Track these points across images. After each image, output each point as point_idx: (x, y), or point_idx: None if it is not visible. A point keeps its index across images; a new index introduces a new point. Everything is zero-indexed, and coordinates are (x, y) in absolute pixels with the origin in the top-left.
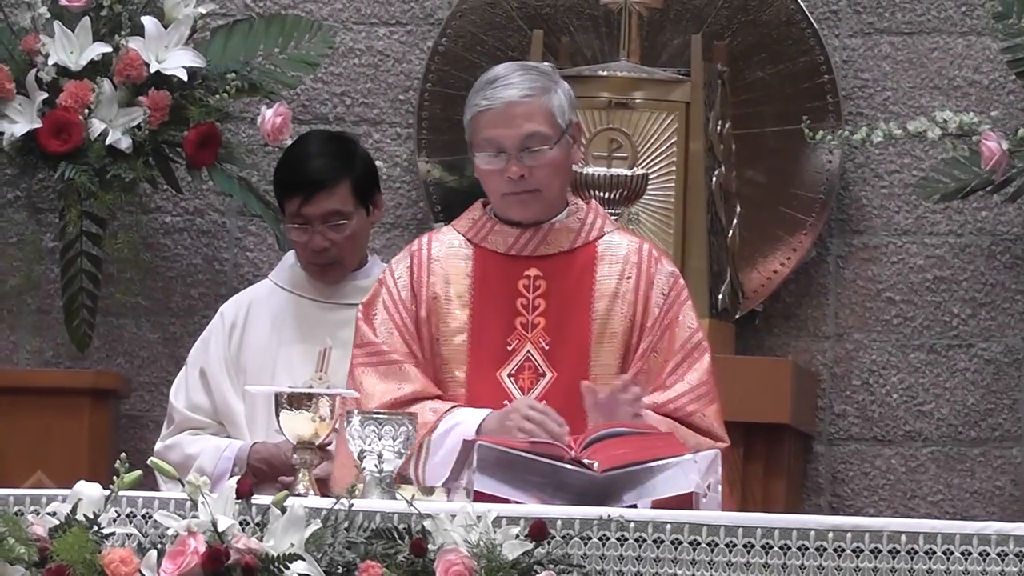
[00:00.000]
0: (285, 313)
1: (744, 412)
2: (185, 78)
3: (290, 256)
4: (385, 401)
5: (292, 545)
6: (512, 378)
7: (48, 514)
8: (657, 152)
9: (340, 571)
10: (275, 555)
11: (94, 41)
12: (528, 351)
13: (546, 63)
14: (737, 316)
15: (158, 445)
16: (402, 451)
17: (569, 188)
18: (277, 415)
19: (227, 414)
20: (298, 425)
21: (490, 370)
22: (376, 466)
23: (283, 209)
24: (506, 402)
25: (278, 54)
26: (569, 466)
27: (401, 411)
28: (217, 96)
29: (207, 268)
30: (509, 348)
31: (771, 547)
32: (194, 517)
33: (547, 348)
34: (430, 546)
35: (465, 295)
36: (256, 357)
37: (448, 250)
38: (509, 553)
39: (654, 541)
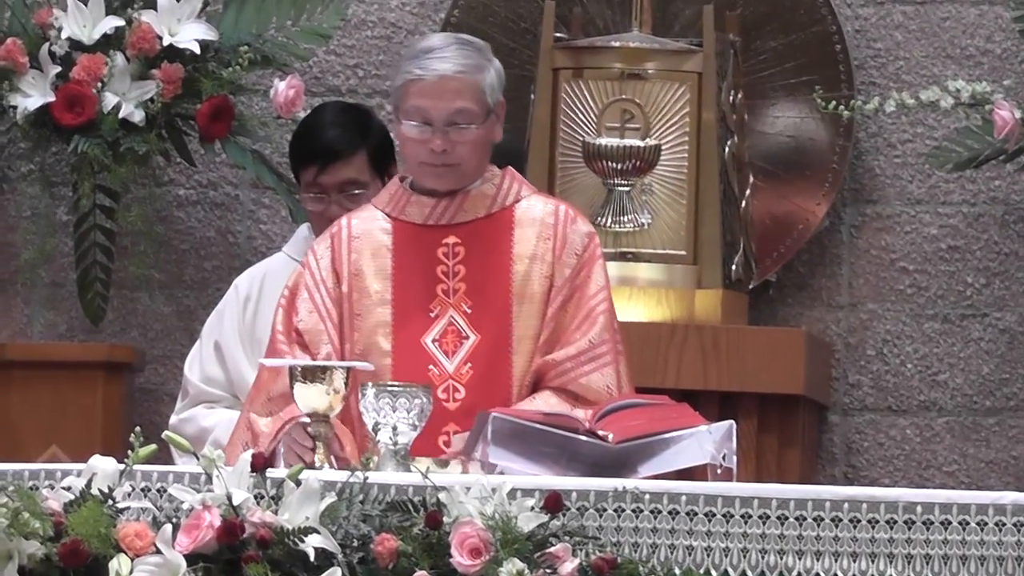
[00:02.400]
0: None
1: (758, 383)
2: (198, 51)
3: (304, 228)
4: (261, 393)
5: (307, 518)
6: (436, 343)
7: (63, 488)
8: (669, 123)
9: (355, 544)
10: (290, 528)
11: (107, 14)
12: (451, 316)
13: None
14: (751, 286)
15: (173, 419)
16: (416, 423)
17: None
18: (292, 387)
19: (241, 387)
20: (312, 398)
21: (414, 338)
22: (391, 438)
23: (299, 179)
24: (432, 367)
25: (290, 26)
26: (583, 437)
27: (412, 384)
28: (230, 69)
29: (221, 241)
30: (432, 315)
31: (786, 518)
32: (209, 491)
33: (469, 312)
34: (445, 518)
35: (387, 268)
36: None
37: (367, 226)
38: (524, 525)
39: (669, 512)
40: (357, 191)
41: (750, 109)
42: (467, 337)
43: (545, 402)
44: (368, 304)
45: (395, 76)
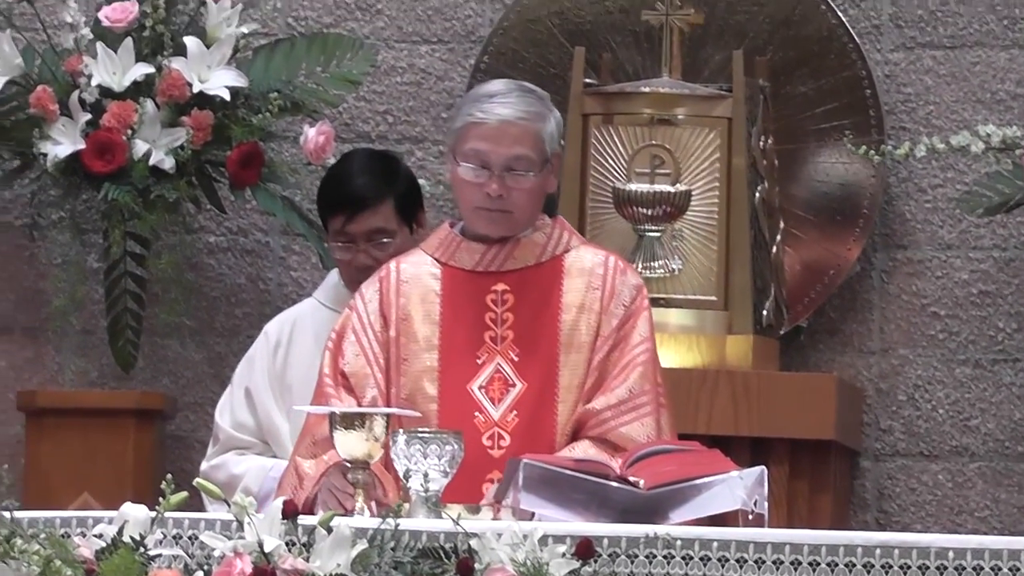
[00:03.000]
0: (329, 331)
1: (789, 428)
2: (228, 97)
3: (334, 274)
4: (306, 438)
5: (338, 565)
6: (482, 390)
7: (95, 536)
8: (700, 168)
9: None
10: (322, 575)
11: (137, 61)
12: (498, 363)
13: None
14: (782, 332)
15: (204, 465)
16: (447, 470)
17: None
18: (331, 434)
19: (272, 433)
20: (352, 444)
21: (461, 384)
22: (422, 485)
23: (327, 227)
24: (478, 414)
25: (320, 73)
26: (615, 484)
27: (446, 430)
28: (260, 115)
29: (251, 287)
30: (479, 361)
31: (818, 564)
32: (240, 538)
33: (516, 360)
34: (477, 565)
35: (434, 313)
36: (301, 375)
37: (416, 271)
38: (556, 572)
39: (700, 558)
40: (385, 239)
41: (780, 154)
42: (513, 385)
43: (584, 452)
44: (415, 349)
45: (454, 118)
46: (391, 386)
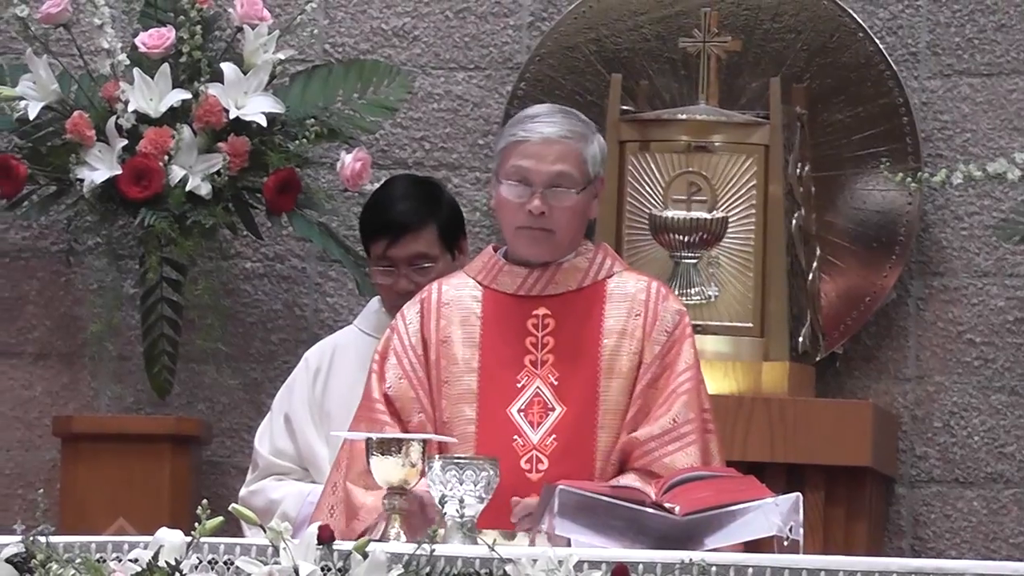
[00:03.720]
0: (369, 358)
1: (825, 455)
2: (264, 124)
3: (375, 302)
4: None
5: None
6: (521, 413)
7: (130, 561)
8: (736, 195)
9: None
10: None
11: (173, 88)
12: (537, 387)
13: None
14: (818, 359)
15: (243, 491)
16: (483, 496)
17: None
18: (368, 460)
19: (311, 459)
20: (388, 471)
21: (500, 407)
22: (457, 511)
23: (368, 252)
24: (516, 438)
25: (357, 99)
26: (650, 510)
27: (482, 456)
28: (296, 142)
29: (287, 314)
30: (519, 385)
31: None
32: (276, 563)
33: (556, 384)
34: None
35: (475, 336)
36: (340, 402)
37: (458, 293)
38: None
39: None
40: (427, 264)
41: (817, 182)
42: (553, 409)
43: (629, 483)
44: (455, 372)
45: (498, 141)
46: (435, 409)
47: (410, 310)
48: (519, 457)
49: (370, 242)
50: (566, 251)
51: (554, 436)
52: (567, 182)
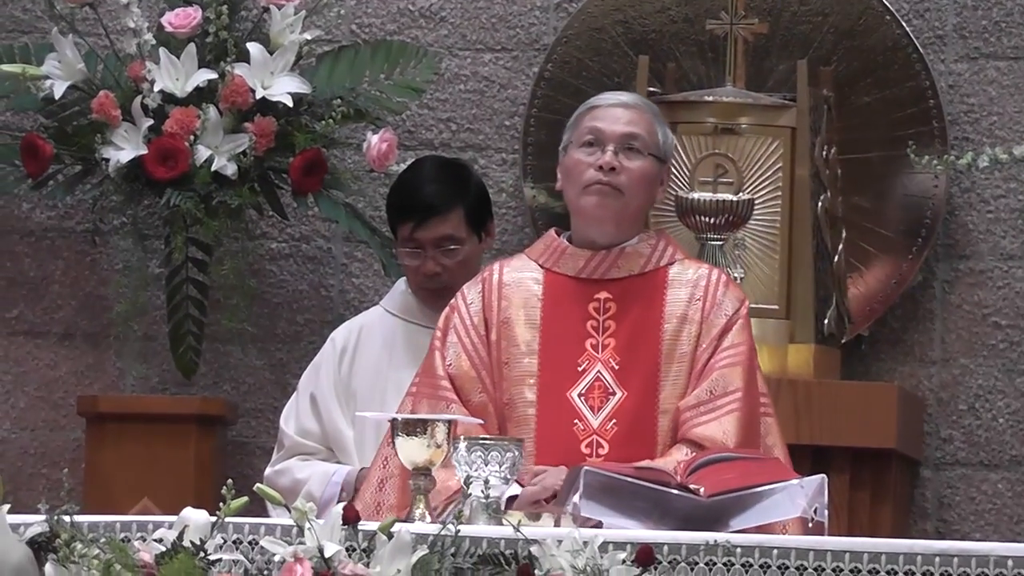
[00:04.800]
0: (395, 339)
1: (850, 437)
2: (291, 104)
3: (401, 283)
4: None
5: (399, 571)
6: (582, 397)
7: (155, 540)
8: (763, 177)
9: None
10: None
11: (200, 67)
12: (598, 371)
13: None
14: (843, 341)
15: (268, 470)
16: (508, 477)
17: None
18: (393, 441)
19: (337, 439)
20: (413, 451)
21: (560, 390)
22: (482, 492)
23: (395, 233)
24: (577, 422)
25: (384, 80)
26: (675, 491)
27: (503, 437)
28: (323, 122)
29: (313, 294)
30: (579, 368)
31: (878, 572)
32: (300, 543)
33: (617, 368)
34: (537, 572)
35: (535, 318)
36: (366, 382)
37: (519, 275)
38: None
39: (760, 566)
40: (453, 247)
41: (843, 164)
42: (613, 393)
43: (673, 457)
44: (515, 353)
45: (570, 125)
46: (496, 390)
47: (471, 290)
48: (579, 441)
49: (397, 224)
50: (628, 230)
51: (614, 421)
52: (639, 144)
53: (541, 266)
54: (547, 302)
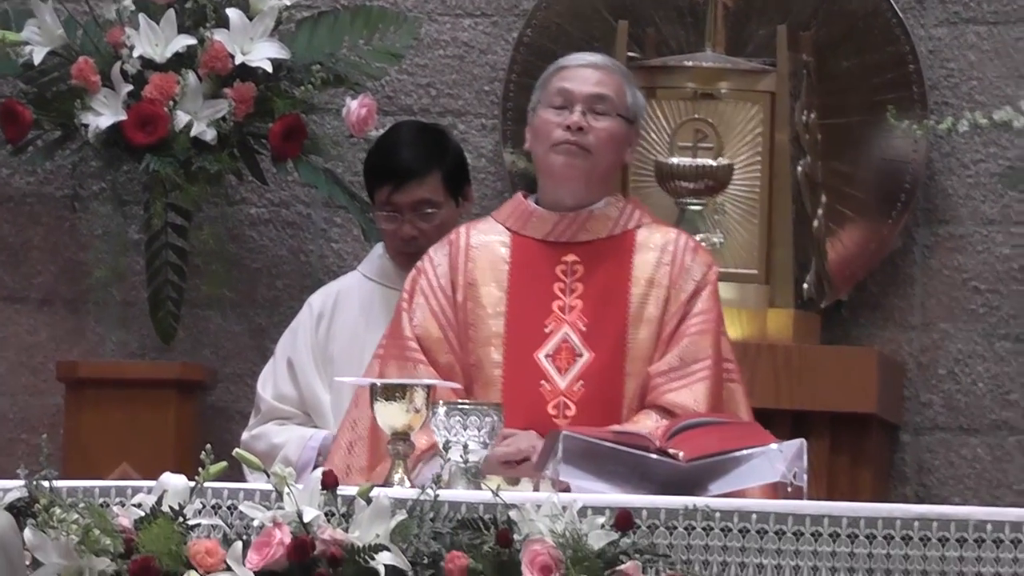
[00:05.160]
0: (373, 304)
1: (830, 402)
2: (270, 70)
3: (379, 247)
4: None
5: (378, 536)
6: (549, 359)
7: (134, 505)
8: (742, 142)
9: (426, 561)
10: (361, 546)
11: (179, 33)
12: (565, 332)
13: None
14: (823, 306)
15: (245, 435)
16: (487, 441)
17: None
18: (372, 406)
19: (314, 404)
20: (392, 416)
21: (527, 352)
22: (461, 456)
23: (372, 198)
24: (544, 383)
25: (363, 46)
26: (654, 456)
27: (483, 402)
28: (302, 88)
29: (293, 260)
30: (546, 330)
31: (857, 536)
32: (279, 508)
33: (584, 330)
34: (516, 536)
35: (503, 280)
36: (344, 347)
37: (486, 238)
38: (595, 543)
39: (740, 531)
40: (430, 210)
41: (823, 129)
42: (580, 355)
43: (644, 424)
44: (482, 315)
45: (538, 87)
46: (463, 351)
47: (438, 252)
48: (546, 402)
49: (375, 188)
50: (599, 185)
51: (582, 382)
52: (607, 105)
53: (508, 229)
54: (514, 265)
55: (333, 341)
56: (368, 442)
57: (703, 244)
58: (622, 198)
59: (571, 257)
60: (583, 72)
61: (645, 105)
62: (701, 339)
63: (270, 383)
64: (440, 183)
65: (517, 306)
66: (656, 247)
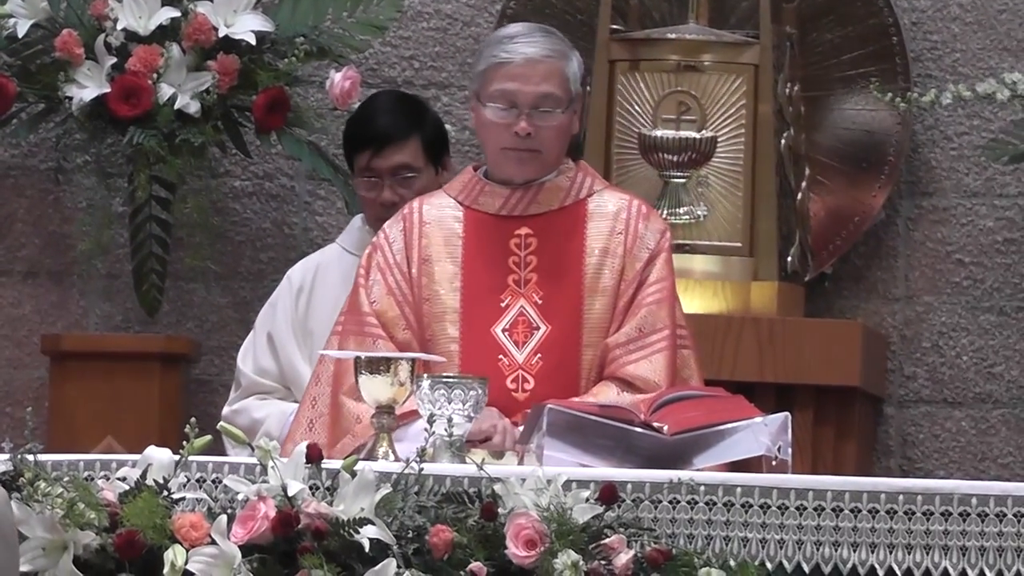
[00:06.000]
0: (352, 277)
1: (814, 375)
2: (254, 42)
3: (357, 219)
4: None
5: (362, 509)
6: (506, 333)
7: (118, 479)
8: (726, 115)
9: (410, 535)
10: (345, 519)
11: (163, 6)
12: (522, 306)
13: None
14: (807, 279)
15: (225, 410)
16: (472, 415)
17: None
18: (356, 379)
19: (294, 378)
20: (377, 389)
21: (484, 326)
22: (446, 430)
23: (352, 167)
24: (502, 357)
25: (347, 18)
26: (639, 429)
27: (471, 376)
28: (286, 60)
29: (276, 232)
30: (502, 304)
31: (841, 510)
32: (264, 482)
33: (540, 303)
34: (500, 510)
35: (457, 255)
36: (324, 320)
37: (439, 213)
38: (579, 517)
39: (724, 504)
40: (410, 175)
41: (807, 102)
42: (537, 328)
43: (605, 395)
44: (437, 290)
45: (476, 63)
46: (420, 327)
47: (392, 228)
48: (505, 376)
49: (354, 154)
50: (551, 169)
51: (539, 355)
52: (552, 103)
53: (460, 203)
54: (468, 239)
55: (313, 314)
56: (329, 420)
57: (655, 209)
58: (572, 165)
59: (524, 230)
60: (524, 71)
61: (583, 64)
62: (658, 309)
63: (250, 357)
64: (420, 148)
65: (472, 281)
66: (609, 215)
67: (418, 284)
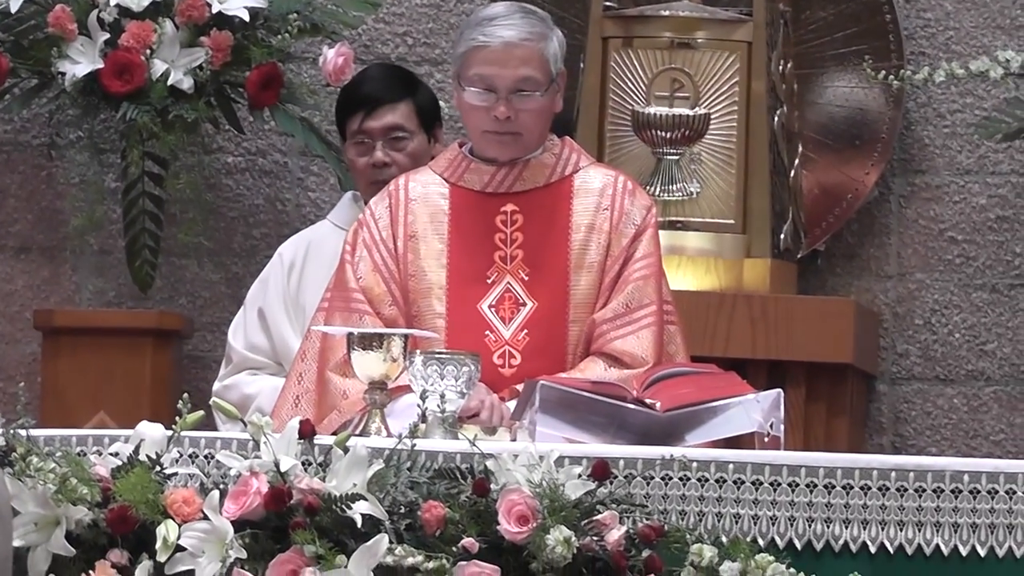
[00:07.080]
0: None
1: (806, 352)
2: (247, 18)
3: (348, 196)
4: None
5: (355, 485)
6: (492, 309)
7: (111, 454)
8: (719, 92)
9: (403, 511)
10: (338, 495)
11: None
12: (508, 282)
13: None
14: (799, 256)
15: (216, 385)
16: (464, 391)
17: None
18: (349, 355)
19: (285, 354)
20: (369, 365)
21: (470, 302)
22: (438, 406)
23: (345, 135)
24: (488, 333)
25: None
26: (631, 406)
27: (464, 352)
28: (279, 36)
29: (269, 208)
30: (489, 281)
31: (834, 487)
32: (256, 457)
33: (526, 279)
34: (492, 486)
35: (443, 232)
36: (315, 296)
37: (425, 190)
38: (571, 493)
39: (716, 481)
40: (402, 135)
41: (800, 79)
42: (524, 304)
43: (593, 371)
44: (424, 267)
45: (457, 44)
46: (406, 303)
47: (378, 205)
48: (492, 353)
49: (346, 119)
50: (534, 149)
51: (526, 331)
52: (531, 85)
53: (446, 180)
54: (454, 215)
55: (304, 290)
56: (315, 396)
57: (640, 185)
58: (558, 142)
59: (510, 207)
60: (502, 55)
61: (564, 42)
62: (645, 284)
63: (241, 333)
64: (412, 112)
65: (458, 257)
66: (595, 191)
67: (404, 260)
